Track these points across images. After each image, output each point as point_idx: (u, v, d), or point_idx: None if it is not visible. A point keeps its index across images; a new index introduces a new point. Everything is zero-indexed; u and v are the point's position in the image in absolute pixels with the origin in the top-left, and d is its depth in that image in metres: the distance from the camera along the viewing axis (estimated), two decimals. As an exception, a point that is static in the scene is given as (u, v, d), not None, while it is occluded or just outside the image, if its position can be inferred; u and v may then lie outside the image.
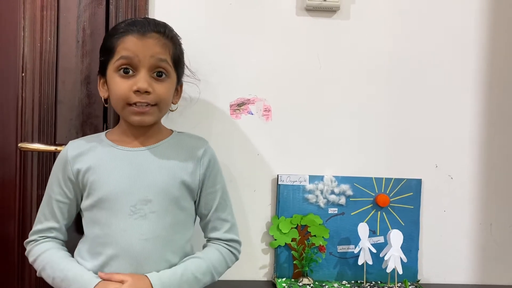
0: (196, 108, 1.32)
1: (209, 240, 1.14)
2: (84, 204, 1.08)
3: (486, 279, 1.42)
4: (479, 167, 1.41)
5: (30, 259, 1.09)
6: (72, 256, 1.09)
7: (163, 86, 1.06)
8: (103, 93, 1.11)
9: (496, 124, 1.41)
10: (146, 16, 1.26)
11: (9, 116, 1.27)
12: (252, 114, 1.35)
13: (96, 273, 1.03)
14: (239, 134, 1.35)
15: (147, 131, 1.11)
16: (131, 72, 1.04)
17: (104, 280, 1.00)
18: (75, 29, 1.28)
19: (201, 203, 1.12)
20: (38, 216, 1.11)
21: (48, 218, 1.09)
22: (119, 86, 1.04)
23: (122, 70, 1.04)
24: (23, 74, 1.26)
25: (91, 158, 1.08)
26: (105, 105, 1.19)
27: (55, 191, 1.09)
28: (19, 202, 1.27)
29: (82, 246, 1.09)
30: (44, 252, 1.06)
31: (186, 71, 1.19)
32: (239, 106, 1.35)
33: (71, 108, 1.29)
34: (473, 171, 1.41)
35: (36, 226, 1.10)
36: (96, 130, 1.28)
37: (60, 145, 1.24)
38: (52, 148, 1.24)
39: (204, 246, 1.14)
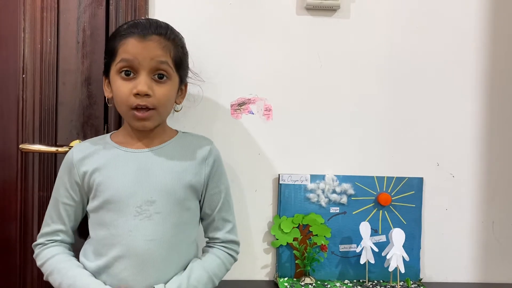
0: (197, 108, 1.32)
1: (209, 240, 1.15)
2: (91, 206, 1.08)
3: (488, 278, 1.42)
4: (480, 165, 1.41)
5: (38, 263, 1.09)
6: (77, 257, 1.10)
7: (164, 89, 1.06)
8: (107, 93, 1.12)
9: (497, 122, 1.41)
10: (148, 17, 1.26)
11: (10, 117, 1.27)
12: (253, 113, 1.35)
13: (99, 273, 1.04)
14: (240, 134, 1.35)
15: (151, 133, 1.11)
16: (132, 74, 1.04)
17: None
18: (75, 30, 1.28)
19: (205, 203, 1.13)
20: (45, 218, 1.12)
21: (55, 221, 1.10)
22: (120, 89, 1.05)
23: (123, 73, 1.04)
24: (23, 75, 1.26)
25: (96, 160, 1.08)
26: (109, 105, 1.19)
27: (62, 194, 1.10)
28: (20, 204, 1.27)
29: (87, 247, 1.10)
30: (52, 257, 1.07)
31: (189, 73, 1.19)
32: (240, 105, 1.34)
33: (72, 109, 1.29)
34: (474, 169, 1.41)
35: (43, 229, 1.11)
36: (96, 131, 1.29)
37: (61, 146, 1.24)
38: (53, 149, 1.24)
39: (204, 251, 1.14)
